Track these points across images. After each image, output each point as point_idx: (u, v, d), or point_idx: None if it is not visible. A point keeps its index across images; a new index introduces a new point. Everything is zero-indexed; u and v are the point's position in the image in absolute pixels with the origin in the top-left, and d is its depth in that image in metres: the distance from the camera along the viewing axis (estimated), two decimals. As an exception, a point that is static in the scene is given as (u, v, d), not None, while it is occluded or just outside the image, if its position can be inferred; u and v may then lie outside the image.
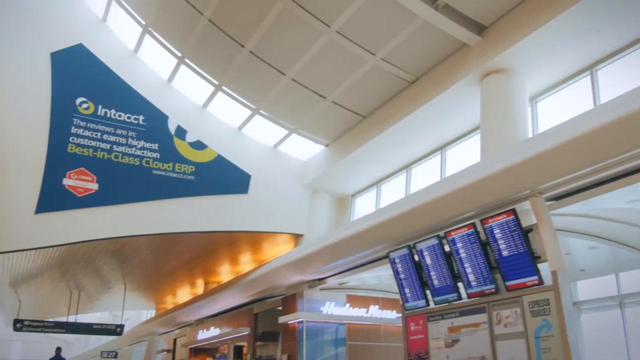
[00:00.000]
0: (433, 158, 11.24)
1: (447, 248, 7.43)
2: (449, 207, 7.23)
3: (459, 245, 7.10)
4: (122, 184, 11.25)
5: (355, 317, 11.53)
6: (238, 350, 16.14)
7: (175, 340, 20.41)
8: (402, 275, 8.14)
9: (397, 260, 8.18)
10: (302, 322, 11.17)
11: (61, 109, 11.14)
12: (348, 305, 11.52)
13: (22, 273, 13.10)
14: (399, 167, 12.07)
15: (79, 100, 11.42)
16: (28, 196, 10.29)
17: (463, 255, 7.08)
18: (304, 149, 13.63)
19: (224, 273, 16.83)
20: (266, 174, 13.12)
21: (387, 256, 8.43)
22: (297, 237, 13.28)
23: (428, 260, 7.64)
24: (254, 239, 13.24)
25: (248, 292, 12.93)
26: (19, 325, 15.51)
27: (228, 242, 13.22)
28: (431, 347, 7.63)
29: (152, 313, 24.52)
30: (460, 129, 10.33)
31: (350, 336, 11.48)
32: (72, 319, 17.49)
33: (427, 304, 7.82)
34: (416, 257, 7.89)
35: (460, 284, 7.27)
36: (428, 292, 7.76)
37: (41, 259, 11.72)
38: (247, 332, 13.86)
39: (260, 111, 12.38)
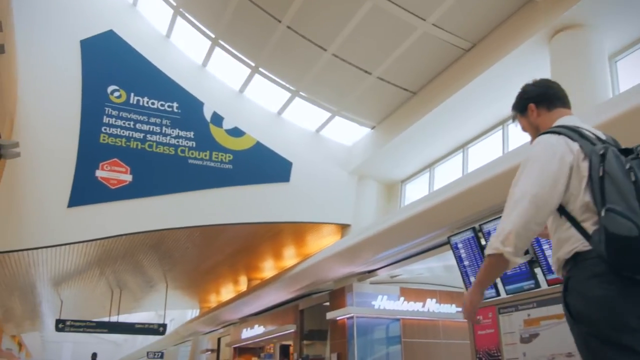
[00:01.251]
0: (493, 135, 10.15)
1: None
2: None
3: (537, 224, 6.07)
4: (156, 175, 10.64)
5: (410, 312, 10.58)
6: (284, 350, 15.41)
7: (219, 339, 19.85)
8: (466, 262, 7.16)
9: (459, 245, 7.20)
10: (351, 317, 10.30)
11: (92, 98, 10.62)
12: (402, 299, 10.59)
13: (62, 271, 12.70)
14: (454, 148, 11.01)
15: (110, 88, 10.88)
16: (60, 189, 9.78)
17: (542, 235, 6.03)
18: (348, 133, 12.74)
19: (268, 269, 16.11)
20: (308, 161, 12.30)
21: (447, 242, 7.47)
22: (344, 228, 12.40)
23: (498, 243, 6.63)
24: (297, 230, 12.44)
25: (293, 287, 12.15)
26: (61, 325, 15.22)
27: (270, 235, 12.46)
28: (504, 343, 6.61)
29: (196, 312, 24.11)
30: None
31: (405, 333, 10.55)
32: (115, 318, 17.17)
33: (498, 294, 6.81)
34: (483, 241, 6.89)
35: (537, 269, 6.25)
36: (498, 280, 6.75)
37: (77, 256, 11.24)
38: (292, 330, 13.08)
39: (300, 93, 11.56)
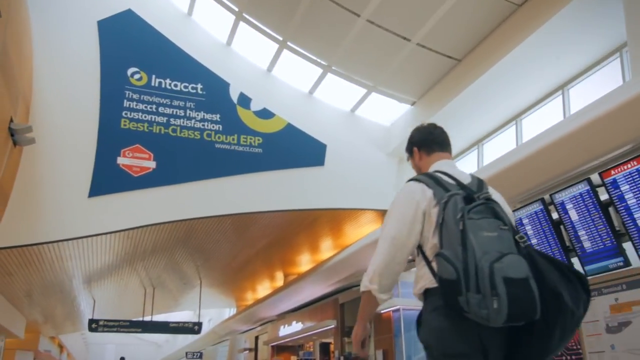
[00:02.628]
0: (550, 102, 9.02)
1: (602, 196, 5.36)
2: (599, 137, 5.20)
3: (625, 187, 5.01)
4: (181, 161, 9.91)
5: (462, 303, 9.55)
6: (324, 348, 14.56)
7: (256, 338, 19.12)
8: (533, 241, 6.12)
9: (525, 221, 6.16)
10: (397, 310, 9.35)
11: (112, 81, 9.96)
12: (453, 288, 9.57)
13: (92, 268, 12.13)
14: (505, 120, 9.90)
15: (130, 70, 10.20)
16: (80, 178, 9.15)
17: (632, 201, 4.98)
18: (385, 112, 11.78)
19: (304, 263, 15.25)
20: (344, 142, 11.39)
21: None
22: (384, 214, 11.42)
23: (574, 215, 5.58)
24: (334, 219, 11.53)
25: (331, 279, 11.27)
26: (94, 325, 14.75)
27: (305, 224, 11.59)
28: (585, 334, 5.57)
29: (233, 311, 23.50)
30: (590, 56, 8.05)
31: (457, 326, 9.53)
32: (153, 318, 16.63)
33: (574, 277, 5.77)
34: (554, 214, 5.85)
35: (627, 244, 5.19)
36: (575, 259, 5.70)
37: (103, 250, 10.60)
38: (332, 326, 12.19)
39: (333, 68, 10.65)
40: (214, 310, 27.55)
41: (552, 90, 8.86)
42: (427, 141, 2.28)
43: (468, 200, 1.86)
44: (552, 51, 8.05)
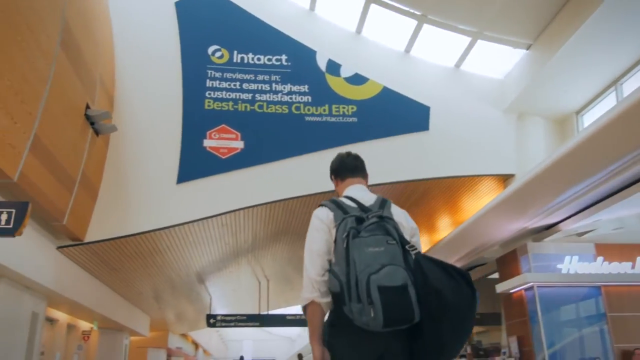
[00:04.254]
0: None
1: None
2: None
3: None
4: (271, 138, 9.15)
5: (614, 276, 7.76)
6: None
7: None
8: None
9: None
10: (531, 288, 7.79)
11: (193, 62, 9.47)
12: (601, 259, 7.80)
13: (199, 262, 11.86)
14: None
15: (211, 49, 9.65)
16: (167, 165, 8.74)
17: None
18: (496, 63, 10.15)
19: (422, 245, 13.90)
20: (450, 103, 9.99)
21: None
22: (506, 181, 9.84)
23: None
24: (447, 189, 10.13)
25: (449, 258, 9.87)
26: (212, 320, 14.56)
27: (414, 199, 10.32)
28: None
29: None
30: None
31: (610, 304, 7.75)
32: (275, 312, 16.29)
33: None
34: None
35: None
36: None
37: (200, 238, 10.16)
38: (456, 312, 10.77)
39: (428, 17, 9.29)
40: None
41: None
42: (340, 169, 2.46)
43: (360, 220, 2.04)
44: None
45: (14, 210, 5.44)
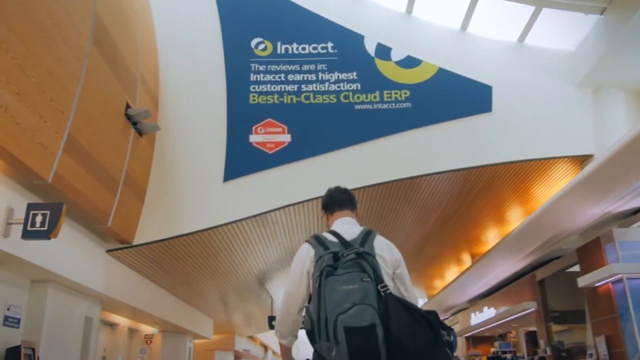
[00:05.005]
0: None
1: None
2: None
3: None
4: (319, 130, 8.67)
5: None
6: (531, 337, 12.13)
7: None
8: None
9: None
10: (619, 280, 6.84)
11: (236, 57, 9.16)
12: (702, 244, 6.76)
13: (260, 265, 11.56)
14: None
15: (254, 41, 9.30)
16: (213, 163, 8.46)
17: None
18: (565, 34, 9.18)
19: (492, 239, 12.98)
20: (514, 80, 9.13)
21: None
22: (583, 162, 8.84)
23: None
24: (516, 175, 9.23)
25: (523, 250, 9.04)
26: (274, 322, 14.30)
27: (480, 187, 9.48)
28: None
29: (425, 301, 21.82)
30: None
31: None
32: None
33: None
34: None
35: None
36: None
37: (248, 238, 9.82)
38: (532, 309, 9.83)
39: (485, -14, 8.52)
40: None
41: None
42: (329, 203, 2.49)
43: (337, 257, 2.06)
44: None
45: (48, 212, 5.25)
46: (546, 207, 7.74)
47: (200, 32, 9.35)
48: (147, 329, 12.26)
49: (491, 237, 12.78)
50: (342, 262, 2.03)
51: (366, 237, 2.23)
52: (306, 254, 2.23)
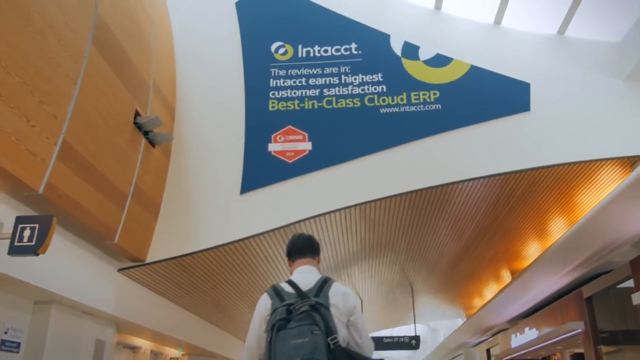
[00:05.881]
0: None
1: None
2: None
3: None
4: (341, 136, 8.08)
5: None
6: None
7: (488, 351, 16.04)
8: None
9: None
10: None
11: (255, 62, 8.72)
12: None
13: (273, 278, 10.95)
14: None
15: (274, 46, 8.85)
16: (229, 174, 7.96)
17: None
18: (609, 23, 8.38)
19: (532, 254, 12.02)
20: (554, 76, 8.36)
21: None
22: (633, 164, 7.95)
23: None
24: (559, 181, 8.40)
25: (566, 264, 8.14)
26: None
27: (519, 195, 8.67)
28: None
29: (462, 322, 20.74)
30: None
31: None
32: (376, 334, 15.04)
33: None
34: None
35: None
36: None
37: (267, 254, 9.25)
38: (579, 330, 8.85)
39: (518, -26, 7.85)
40: (447, 322, 25.04)
41: None
42: (291, 251, 2.57)
43: (290, 311, 2.12)
44: None
45: (37, 225, 4.79)
46: (593, 214, 6.88)
47: (219, 41, 8.98)
48: (172, 351, 11.76)
49: (532, 251, 11.82)
50: (294, 314, 2.07)
51: (322, 286, 2.28)
52: (264, 306, 2.30)
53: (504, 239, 10.85)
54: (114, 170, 6.32)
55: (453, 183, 7.76)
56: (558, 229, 10.28)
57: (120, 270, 7.39)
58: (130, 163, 6.73)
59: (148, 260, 7.44)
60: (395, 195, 7.69)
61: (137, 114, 6.83)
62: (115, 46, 6.36)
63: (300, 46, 8.80)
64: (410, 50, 8.59)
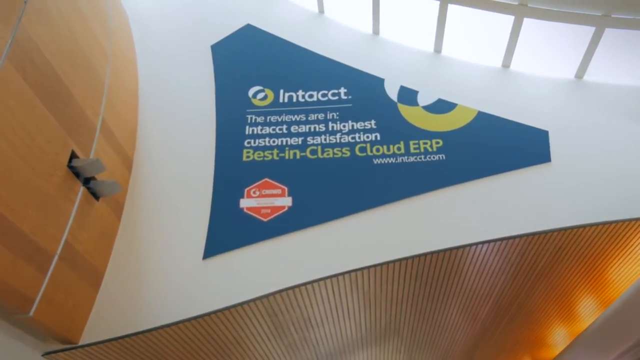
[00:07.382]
0: None
1: None
2: None
3: None
4: (328, 190, 6.81)
5: None
6: None
7: None
8: None
9: None
10: None
11: (229, 108, 7.63)
12: None
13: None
14: None
15: (252, 90, 7.79)
16: (194, 235, 6.61)
17: None
18: (631, 67, 7.34)
19: (559, 341, 10.33)
20: (576, 123, 7.19)
21: None
22: (678, 227, 6.59)
23: None
24: (588, 248, 6.98)
25: (606, 353, 6.57)
26: None
27: (542, 267, 7.21)
28: None
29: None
30: None
31: None
32: None
33: None
34: None
35: None
36: None
37: (251, 332, 7.67)
38: None
39: (529, 5, 6.85)
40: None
41: None
42: None
43: None
44: None
45: None
46: (636, 287, 5.48)
47: (190, 82, 7.95)
48: None
49: (558, 336, 10.16)
50: None
51: None
52: None
53: (525, 322, 9.21)
54: (34, 222, 4.98)
55: (461, 247, 6.35)
56: (588, 310, 8.71)
57: (46, 354, 5.85)
58: (59, 215, 5.40)
59: (82, 342, 5.93)
60: (392, 262, 6.27)
61: (73, 156, 5.60)
62: (45, 69, 5.23)
63: (282, 91, 7.73)
64: (408, 95, 7.50)
